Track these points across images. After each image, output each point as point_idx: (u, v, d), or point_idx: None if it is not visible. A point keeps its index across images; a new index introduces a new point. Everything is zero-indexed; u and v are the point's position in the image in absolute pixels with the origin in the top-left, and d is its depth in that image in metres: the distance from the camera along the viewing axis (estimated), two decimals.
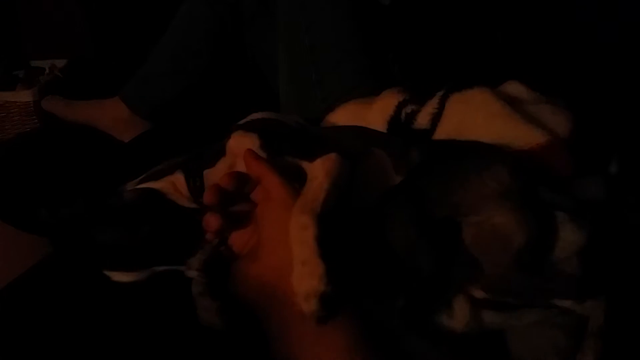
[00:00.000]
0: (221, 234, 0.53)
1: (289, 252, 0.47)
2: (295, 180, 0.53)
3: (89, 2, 1.63)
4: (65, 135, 1.16)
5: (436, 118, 0.71)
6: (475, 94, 0.69)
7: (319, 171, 0.53)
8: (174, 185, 0.59)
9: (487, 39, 0.88)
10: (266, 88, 1.09)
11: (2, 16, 1.72)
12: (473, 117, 0.66)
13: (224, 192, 0.51)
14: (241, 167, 0.55)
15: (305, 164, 0.55)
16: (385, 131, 0.76)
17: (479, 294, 0.53)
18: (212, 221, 0.50)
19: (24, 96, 1.42)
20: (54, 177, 0.96)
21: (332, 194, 0.51)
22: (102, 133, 1.14)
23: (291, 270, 0.46)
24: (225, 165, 0.59)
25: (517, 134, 0.63)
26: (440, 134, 0.69)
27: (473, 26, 0.90)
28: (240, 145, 0.57)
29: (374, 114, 0.79)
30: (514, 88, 0.71)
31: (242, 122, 0.66)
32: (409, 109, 0.75)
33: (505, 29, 0.89)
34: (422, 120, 0.72)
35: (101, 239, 0.55)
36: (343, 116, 0.85)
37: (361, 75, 0.93)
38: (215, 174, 0.58)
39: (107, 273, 0.54)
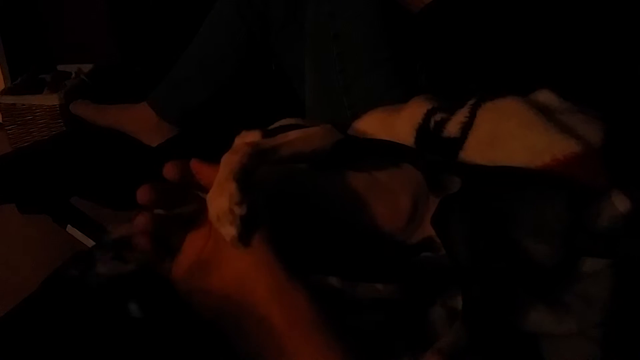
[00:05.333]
0: (155, 240, 0.47)
1: (250, 256, 0.44)
2: None
3: (114, 8, 1.65)
4: (94, 139, 1.18)
5: (467, 127, 0.70)
6: (507, 103, 0.68)
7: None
8: None
9: (517, 48, 0.88)
10: (293, 95, 1.10)
11: (29, 21, 1.75)
12: (505, 126, 0.66)
13: (163, 189, 0.46)
14: None
15: None
16: (413, 139, 0.76)
17: None
18: (140, 221, 0.45)
19: (51, 100, 1.45)
20: (87, 177, 0.97)
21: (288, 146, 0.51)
22: (130, 137, 1.16)
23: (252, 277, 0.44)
24: None
25: (551, 143, 0.63)
26: (472, 142, 0.69)
27: (502, 36, 0.90)
28: (243, 141, 0.55)
29: (402, 121, 0.79)
30: (545, 97, 0.71)
31: (270, 128, 0.66)
32: (438, 117, 0.74)
33: (533, 38, 0.88)
34: (452, 128, 0.72)
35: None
36: (370, 123, 0.85)
37: (388, 83, 0.93)
38: None
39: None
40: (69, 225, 1.08)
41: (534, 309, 0.52)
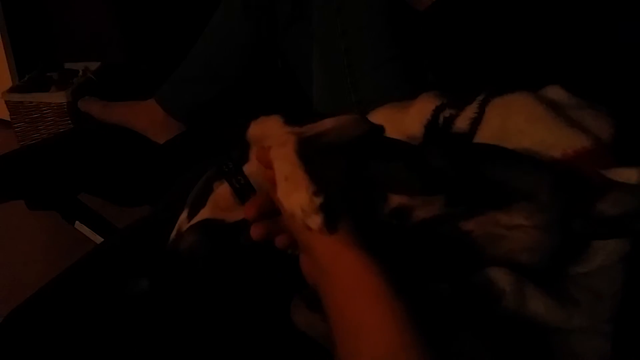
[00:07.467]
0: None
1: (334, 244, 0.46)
2: None
3: (121, 6, 1.66)
4: (102, 136, 1.18)
5: (476, 122, 0.70)
6: (516, 98, 0.68)
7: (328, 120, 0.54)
8: (217, 203, 0.59)
9: (525, 44, 0.88)
10: (300, 92, 1.10)
11: (36, 19, 1.76)
12: (515, 120, 0.66)
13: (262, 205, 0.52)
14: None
15: None
16: (422, 135, 0.76)
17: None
18: (256, 232, 0.52)
19: (58, 97, 1.46)
20: (95, 174, 0.97)
21: (326, 136, 0.52)
22: (138, 134, 1.16)
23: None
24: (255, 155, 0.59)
25: (561, 138, 0.62)
26: (481, 138, 0.69)
27: (510, 32, 0.90)
28: (263, 128, 0.57)
29: (410, 117, 0.79)
30: (554, 92, 0.71)
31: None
32: (447, 113, 0.74)
33: (541, 34, 0.88)
34: (461, 124, 0.72)
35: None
36: (378, 120, 0.84)
37: (396, 80, 0.93)
38: (253, 166, 0.58)
39: None
40: (77, 222, 1.09)
41: (543, 302, 0.52)
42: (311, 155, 0.48)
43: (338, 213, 0.46)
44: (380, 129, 0.63)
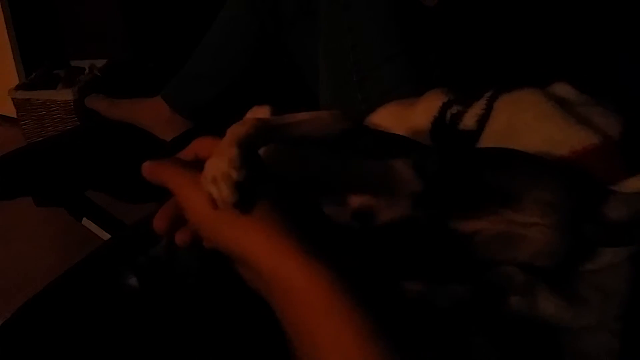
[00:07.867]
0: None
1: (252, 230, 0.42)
2: None
3: (127, 4, 1.66)
4: (108, 133, 1.19)
5: (483, 119, 0.70)
6: (524, 95, 0.68)
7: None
8: None
9: (533, 41, 0.87)
10: (306, 89, 1.10)
11: (43, 17, 1.77)
12: (523, 117, 0.66)
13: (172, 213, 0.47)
14: None
15: None
16: (429, 132, 0.76)
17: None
18: (183, 239, 0.46)
19: (65, 95, 1.46)
20: (101, 170, 0.97)
21: (295, 127, 0.51)
22: (144, 131, 1.17)
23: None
24: None
25: (569, 135, 0.62)
26: (488, 134, 0.69)
27: (518, 29, 0.89)
28: (254, 114, 0.55)
29: (417, 114, 0.79)
30: (562, 89, 0.70)
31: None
32: (454, 109, 0.74)
33: (550, 31, 0.88)
34: (469, 121, 0.71)
35: None
36: (384, 117, 0.85)
37: (402, 77, 0.93)
38: None
39: None
40: (84, 218, 1.09)
41: (553, 303, 0.52)
42: (270, 145, 0.47)
43: (266, 205, 0.42)
44: (364, 128, 0.61)
